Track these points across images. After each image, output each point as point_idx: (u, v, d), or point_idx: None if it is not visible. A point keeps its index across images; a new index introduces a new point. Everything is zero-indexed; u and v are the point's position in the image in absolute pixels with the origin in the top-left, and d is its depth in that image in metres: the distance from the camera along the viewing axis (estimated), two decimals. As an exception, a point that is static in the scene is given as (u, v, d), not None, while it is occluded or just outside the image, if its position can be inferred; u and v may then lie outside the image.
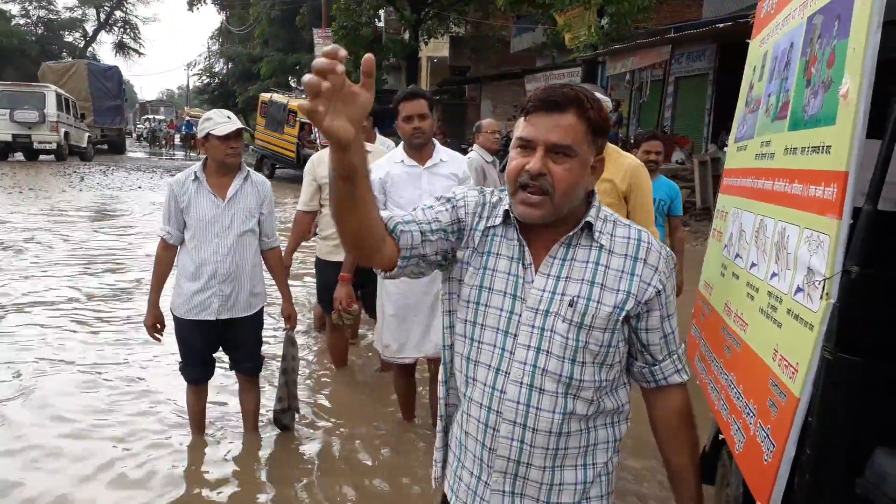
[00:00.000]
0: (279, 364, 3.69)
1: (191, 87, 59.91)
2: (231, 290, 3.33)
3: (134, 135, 39.06)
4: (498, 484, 1.48)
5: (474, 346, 1.49)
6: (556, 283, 1.43)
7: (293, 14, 32.01)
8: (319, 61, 1.07)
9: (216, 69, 45.51)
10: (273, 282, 3.58)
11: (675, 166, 12.88)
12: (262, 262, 3.50)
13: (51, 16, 44.67)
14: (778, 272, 1.84)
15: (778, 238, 1.88)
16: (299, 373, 3.76)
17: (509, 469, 1.46)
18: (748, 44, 2.88)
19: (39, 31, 44.12)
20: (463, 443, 1.54)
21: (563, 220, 1.43)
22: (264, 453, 3.58)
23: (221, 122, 3.22)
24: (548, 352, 1.42)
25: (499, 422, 1.45)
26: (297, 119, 17.78)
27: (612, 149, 3.16)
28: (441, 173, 3.44)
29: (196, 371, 3.52)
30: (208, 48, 48.54)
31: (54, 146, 20.90)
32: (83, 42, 46.48)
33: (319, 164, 4.26)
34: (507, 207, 1.47)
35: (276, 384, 3.73)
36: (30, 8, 43.73)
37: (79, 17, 46.01)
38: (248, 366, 3.55)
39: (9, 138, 19.98)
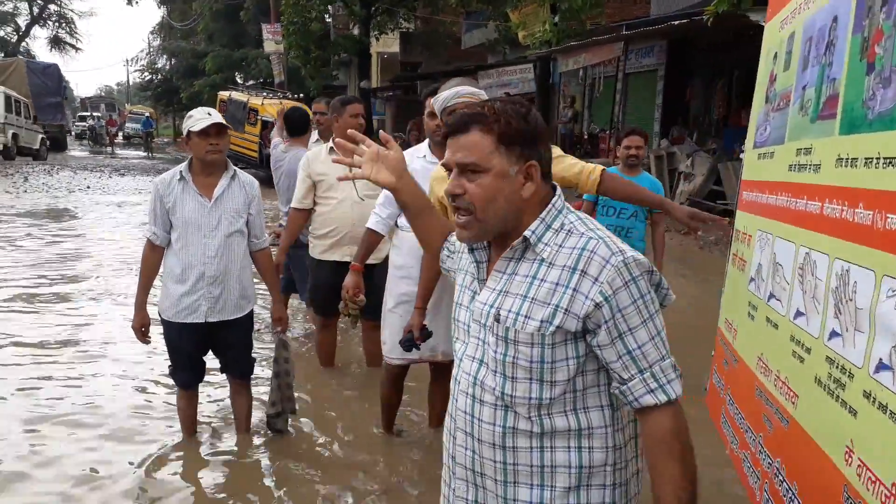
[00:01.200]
0: (271, 367, 3.65)
1: (132, 83, 58.22)
2: (220, 292, 3.26)
3: (73, 133, 37.52)
4: (461, 491, 1.54)
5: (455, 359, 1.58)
6: (496, 297, 1.45)
7: (237, 9, 31.43)
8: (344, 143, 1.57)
9: (158, 65, 44.34)
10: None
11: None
12: (252, 264, 3.44)
13: (-20, 9, 42.65)
14: (841, 332, 1.40)
15: (838, 283, 1.44)
16: (294, 375, 3.69)
17: (469, 478, 1.51)
18: (696, 41, 2.69)
19: (-33, 26, 42.12)
20: (445, 457, 1.62)
21: (512, 237, 1.44)
22: (256, 456, 3.53)
23: (200, 118, 3.15)
24: (486, 364, 1.46)
25: (455, 429, 1.52)
26: (259, 118, 17.39)
27: None
28: None
29: (186, 375, 3.45)
30: (149, 43, 47.30)
31: (0, 147, 21.18)
32: (16, 37, 44.47)
33: (314, 160, 4.19)
34: None
35: (269, 387, 3.68)
36: (-44, 1, 41.70)
37: (10, 10, 44.01)
38: (238, 369, 3.49)
39: None
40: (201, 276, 3.23)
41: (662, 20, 12.63)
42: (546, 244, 1.41)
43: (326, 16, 26.62)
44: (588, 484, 1.43)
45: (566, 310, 1.36)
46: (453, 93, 2.79)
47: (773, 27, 2.28)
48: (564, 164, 2.85)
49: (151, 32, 48.52)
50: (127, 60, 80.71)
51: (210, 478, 3.31)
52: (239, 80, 36.75)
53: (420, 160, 3.37)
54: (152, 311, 3.39)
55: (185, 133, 3.19)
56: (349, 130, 1.60)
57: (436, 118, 3.26)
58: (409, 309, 3.42)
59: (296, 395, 3.84)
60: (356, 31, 26.27)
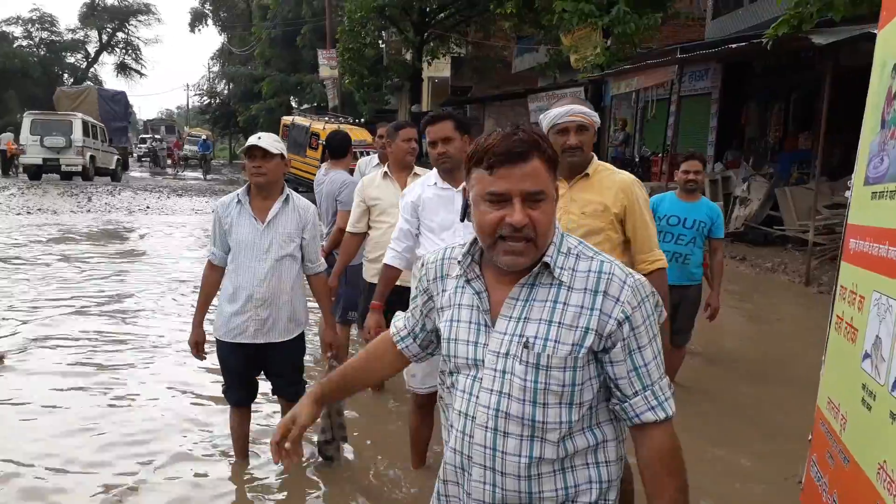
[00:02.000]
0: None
1: (190, 106, 60.25)
2: (268, 314, 3.29)
3: (135, 154, 38.84)
4: None
5: (452, 395, 1.54)
6: (516, 325, 1.43)
7: (294, 35, 32.27)
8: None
9: (217, 89, 45.76)
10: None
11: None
12: (306, 287, 3.46)
13: (53, 37, 44.89)
14: None
15: None
16: (345, 402, 3.67)
17: None
18: (751, 64, 2.53)
19: (41, 53, 44.30)
20: (442, 492, 1.59)
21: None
22: (303, 483, 3.52)
23: (250, 141, 3.22)
24: (508, 395, 1.43)
25: (471, 466, 1.48)
26: (321, 142, 17.71)
27: (602, 166, 2.89)
28: None
29: (238, 393, 3.48)
30: (209, 69, 48.93)
31: (80, 168, 23.07)
32: (85, 63, 46.72)
33: (369, 185, 4.23)
34: (459, 259, 1.53)
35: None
36: (32, 30, 44.00)
37: (81, 38, 46.29)
38: (288, 391, 3.49)
39: (39, 161, 22.64)
40: (250, 298, 3.27)
41: (718, 43, 12.45)
42: (562, 268, 1.44)
43: (380, 42, 27.16)
44: (605, 498, 1.49)
45: (595, 331, 1.40)
46: (566, 110, 2.77)
47: (888, 35, 1.88)
48: (649, 231, 2.85)
49: (212, 58, 50.24)
50: (187, 85, 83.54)
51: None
52: (294, 105, 37.74)
53: (431, 188, 3.33)
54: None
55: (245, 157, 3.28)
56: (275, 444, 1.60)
57: (435, 147, 3.24)
58: None
59: (352, 420, 3.80)
60: (408, 57, 26.69)
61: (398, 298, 3.79)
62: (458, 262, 1.54)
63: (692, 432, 3.98)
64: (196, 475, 3.52)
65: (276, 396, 3.68)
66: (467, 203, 1.52)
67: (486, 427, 1.45)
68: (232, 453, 3.65)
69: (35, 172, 22.97)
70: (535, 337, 1.41)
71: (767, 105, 14.94)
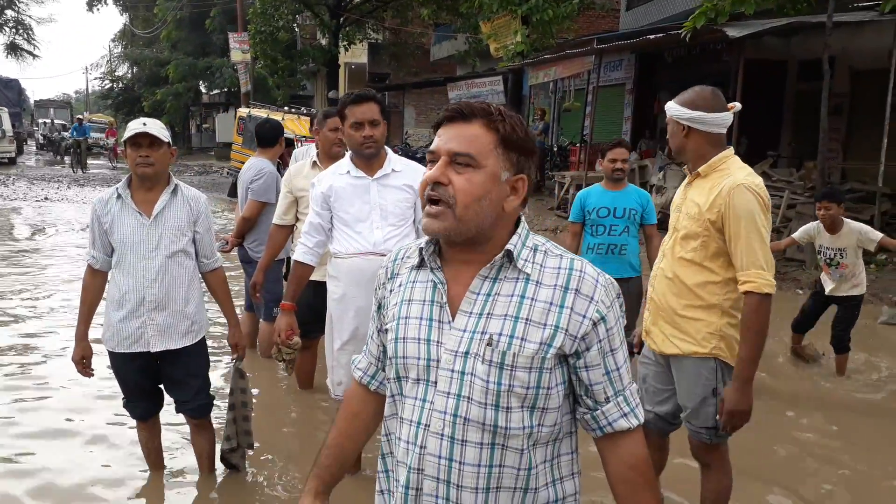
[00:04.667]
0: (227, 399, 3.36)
1: (91, 90, 57.01)
2: (163, 318, 2.97)
3: (33, 142, 36.00)
4: None
5: (398, 403, 1.40)
6: (477, 321, 1.31)
7: (203, 17, 30.92)
8: None
9: (119, 73, 43.45)
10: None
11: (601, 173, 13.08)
12: (202, 286, 3.16)
13: (-68, 14, 41.37)
14: None
15: None
16: (252, 408, 3.41)
17: None
18: (663, 55, 2.51)
19: (-81, 30, 40.79)
20: None
21: (484, 251, 1.33)
22: (217, 496, 3.27)
23: (133, 128, 2.89)
24: (469, 398, 1.30)
25: (422, 480, 1.33)
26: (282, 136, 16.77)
27: (724, 164, 2.51)
28: (393, 185, 3.08)
29: (140, 407, 3.16)
30: (110, 51, 46.36)
31: (13, 155, 25.20)
32: (-30, 42, 43.26)
33: (296, 176, 3.97)
34: (422, 246, 1.40)
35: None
36: None
37: (-35, 15, 42.80)
38: (193, 406, 3.15)
39: None
40: (141, 302, 2.94)
41: (633, 34, 12.64)
42: (526, 260, 1.33)
43: (294, 25, 26.37)
44: None
45: (566, 330, 1.29)
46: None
47: None
48: (742, 245, 2.41)
49: (113, 40, 47.60)
50: (86, 68, 79.07)
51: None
52: (203, 90, 36.20)
53: (344, 177, 3.07)
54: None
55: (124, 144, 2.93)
56: None
57: (361, 129, 2.99)
58: (360, 345, 3.15)
59: (259, 425, 3.55)
60: (324, 42, 26.04)
61: (313, 294, 3.55)
62: (421, 248, 1.40)
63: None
64: (110, 489, 3.24)
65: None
66: None
67: (442, 435, 1.30)
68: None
69: None
70: (500, 334, 1.29)
71: (678, 95, 15.33)
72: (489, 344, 1.29)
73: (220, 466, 3.39)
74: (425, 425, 1.32)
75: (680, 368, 2.61)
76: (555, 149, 17.32)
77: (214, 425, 3.35)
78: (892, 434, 4.17)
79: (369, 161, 3.07)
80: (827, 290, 4.93)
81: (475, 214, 1.30)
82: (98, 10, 36.46)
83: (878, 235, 4.78)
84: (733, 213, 2.40)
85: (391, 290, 1.45)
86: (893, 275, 8.01)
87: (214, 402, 3.26)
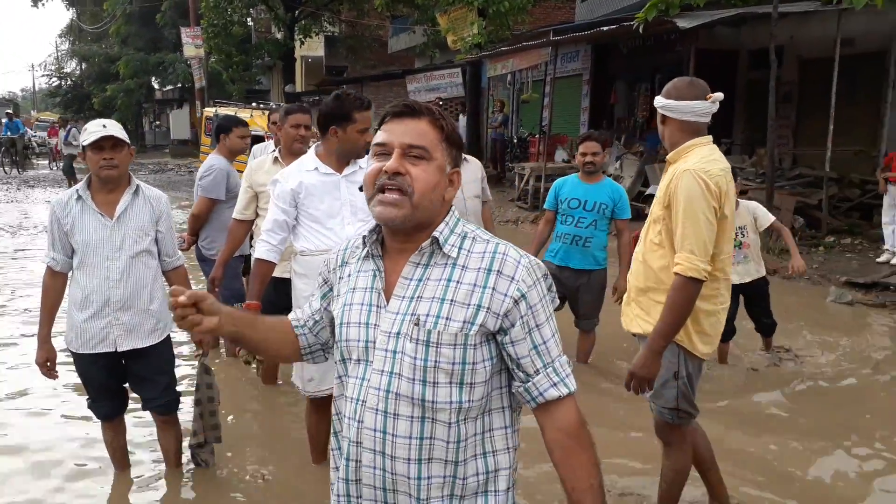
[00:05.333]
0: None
1: (37, 88, 55.29)
2: (129, 317, 2.97)
3: None
4: None
5: (343, 383, 1.50)
6: (409, 304, 1.42)
7: (153, 11, 30.23)
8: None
9: (67, 70, 42.23)
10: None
11: (562, 164, 13.23)
12: (165, 285, 3.14)
13: None
14: None
15: None
16: (219, 401, 3.40)
17: (379, 498, 1.44)
18: (618, 45, 2.57)
19: None
20: (341, 492, 1.49)
21: (420, 239, 1.43)
22: (186, 492, 3.26)
23: (94, 130, 2.89)
24: (399, 374, 1.40)
25: (360, 452, 1.43)
26: (252, 133, 16.28)
27: (690, 154, 2.57)
28: (361, 181, 3.15)
29: (106, 406, 3.14)
30: (57, 47, 45.03)
31: None
32: None
33: (257, 170, 3.96)
34: (365, 234, 1.50)
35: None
36: None
37: None
38: (159, 403, 3.15)
39: None
40: (107, 302, 2.93)
41: (588, 26, 12.79)
42: (453, 246, 1.43)
43: (248, 19, 25.98)
44: (495, 490, 1.45)
45: (487, 308, 1.38)
46: None
47: None
48: (680, 230, 2.49)
49: (59, 36, 46.23)
50: (33, 66, 76.63)
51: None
52: (156, 86, 35.41)
53: (313, 174, 3.07)
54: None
55: (81, 148, 2.91)
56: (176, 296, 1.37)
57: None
58: None
59: (227, 420, 3.55)
60: (280, 35, 25.70)
61: (274, 291, 3.54)
62: (364, 237, 1.50)
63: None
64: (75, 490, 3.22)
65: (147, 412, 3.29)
66: None
67: (377, 410, 1.41)
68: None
69: None
70: (427, 315, 1.39)
71: (634, 85, 15.59)
72: (416, 324, 1.39)
73: (188, 463, 3.38)
74: (362, 401, 1.42)
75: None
76: (515, 140, 17.44)
77: (181, 421, 3.34)
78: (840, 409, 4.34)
79: (340, 159, 3.09)
80: (736, 281, 4.90)
81: (429, 203, 1.41)
82: (43, 5, 35.25)
83: (772, 218, 4.72)
84: (675, 198, 2.51)
85: (340, 278, 1.55)
86: (841, 256, 8.31)
87: (181, 398, 3.24)
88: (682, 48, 11.17)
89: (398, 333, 1.40)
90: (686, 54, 10.12)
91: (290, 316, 1.68)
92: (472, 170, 4.98)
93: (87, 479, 3.36)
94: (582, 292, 4.52)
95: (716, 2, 9.62)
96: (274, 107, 17.37)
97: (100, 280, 2.93)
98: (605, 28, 11.08)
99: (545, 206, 4.75)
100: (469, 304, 1.38)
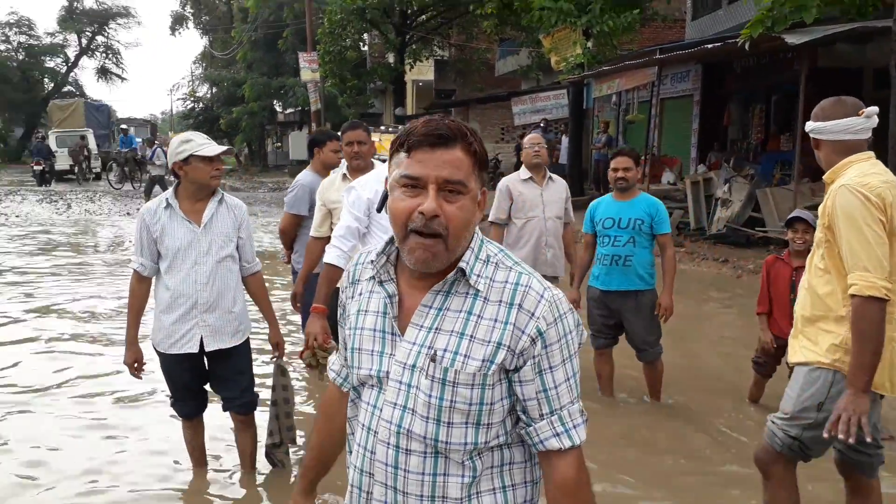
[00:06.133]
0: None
1: (174, 111, 59.71)
2: (214, 319, 3.15)
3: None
4: None
5: (356, 405, 1.44)
6: (426, 335, 1.32)
7: (276, 38, 32.04)
8: None
9: (200, 93, 45.39)
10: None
11: (668, 187, 12.86)
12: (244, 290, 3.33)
13: (31, 41, 44.27)
14: None
15: None
16: (294, 403, 3.54)
17: None
18: (732, 65, 2.50)
19: (20, 57, 43.70)
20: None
21: (444, 270, 1.33)
22: (261, 492, 3.40)
23: (205, 143, 3.10)
24: (413, 411, 1.32)
25: (372, 484, 1.37)
26: (377, 156, 16.63)
27: (844, 165, 2.46)
28: None
29: (188, 406, 3.34)
30: (191, 72, 48.54)
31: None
32: (65, 68, 46.15)
33: (328, 189, 4.11)
34: (373, 259, 1.39)
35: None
36: (9, 34, 43.36)
37: (60, 42, 45.66)
38: (240, 403, 3.32)
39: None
40: (194, 304, 3.12)
41: (698, 45, 12.41)
42: (479, 276, 1.32)
43: (362, 44, 27.03)
44: None
45: (507, 346, 1.29)
46: None
47: None
48: (848, 247, 2.32)
49: (194, 62, 49.81)
50: (171, 89, 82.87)
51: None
52: (278, 108, 37.39)
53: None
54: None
55: (181, 157, 3.08)
56: None
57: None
58: None
59: (303, 422, 3.68)
60: (391, 59, 26.54)
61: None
62: (372, 261, 1.39)
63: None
64: (158, 486, 3.40)
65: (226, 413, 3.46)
66: (386, 193, 1.37)
67: (388, 444, 1.33)
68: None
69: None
70: (445, 350, 1.30)
71: (748, 106, 14.93)
72: (433, 360, 1.30)
73: (264, 464, 3.51)
74: (374, 431, 1.36)
75: (795, 375, 2.53)
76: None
77: (258, 423, 3.49)
78: None
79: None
80: None
81: (463, 241, 1.31)
82: (180, 33, 38.49)
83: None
84: (834, 217, 2.36)
85: (352, 297, 1.46)
86: None
87: (258, 399, 3.41)
88: (800, 66, 10.63)
89: (413, 366, 1.32)
90: (803, 73, 9.59)
91: (330, 376, 1.60)
92: (557, 190, 4.94)
93: (166, 476, 3.53)
94: (631, 317, 4.30)
95: (833, 18, 9.07)
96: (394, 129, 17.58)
97: (188, 283, 3.12)
98: (709, 46, 10.70)
99: (583, 230, 4.57)
100: (489, 342, 1.29)
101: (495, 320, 1.29)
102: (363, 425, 1.38)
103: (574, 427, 1.33)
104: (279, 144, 40.62)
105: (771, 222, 9.87)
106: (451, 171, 1.27)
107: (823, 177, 2.54)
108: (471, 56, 26.42)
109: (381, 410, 1.35)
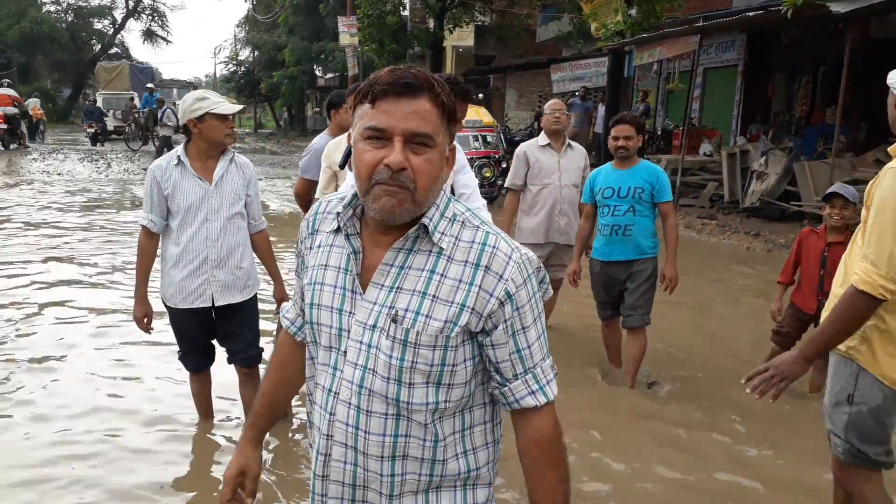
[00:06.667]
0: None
1: (217, 74, 60.26)
2: (224, 275, 3.24)
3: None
4: None
5: (314, 367, 1.40)
6: (388, 294, 1.28)
7: (317, 2, 31.96)
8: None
9: (242, 57, 45.68)
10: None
11: (704, 158, 12.58)
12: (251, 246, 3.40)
13: (80, 3, 45.09)
14: None
15: None
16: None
17: (346, 495, 1.35)
18: (779, 35, 2.12)
19: (69, 19, 44.54)
20: (318, 491, 1.40)
21: (407, 225, 1.28)
22: (267, 437, 3.49)
23: (220, 101, 3.15)
24: (373, 371, 1.29)
25: (331, 446, 1.34)
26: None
27: None
28: None
29: (196, 359, 3.45)
30: (234, 36, 48.80)
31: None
32: (112, 30, 46.89)
33: (334, 150, 4.10)
34: (339, 210, 1.34)
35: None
36: (60, -5, 44.20)
37: (108, 4, 46.38)
38: (245, 356, 3.41)
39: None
40: (205, 260, 3.20)
41: (741, 12, 11.99)
42: (442, 234, 1.29)
43: (402, 9, 26.75)
44: (474, 484, 1.38)
45: (472, 308, 1.26)
46: None
47: None
48: (867, 237, 2.13)
49: (237, 25, 50.07)
50: (215, 52, 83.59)
51: (218, 464, 3.33)
52: (318, 73, 37.44)
53: None
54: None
55: (196, 115, 3.12)
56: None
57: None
58: None
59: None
60: (431, 25, 26.25)
61: None
62: (338, 213, 1.34)
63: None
64: (167, 436, 3.55)
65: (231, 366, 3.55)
66: (349, 149, 1.34)
67: (350, 404, 1.31)
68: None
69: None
70: (406, 310, 1.26)
71: (794, 78, 14.43)
72: (394, 320, 1.27)
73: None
74: (335, 393, 1.33)
75: (829, 361, 2.36)
76: (658, 132, 16.75)
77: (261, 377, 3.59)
78: None
79: None
80: None
81: (431, 195, 1.28)
82: (225, -3, 38.59)
83: None
84: (874, 198, 2.13)
85: (310, 248, 1.42)
86: None
87: (263, 353, 3.49)
88: (849, 37, 10.21)
89: (374, 326, 1.29)
90: (851, 43, 9.20)
91: (284, 324, 1.57)
92: (576, 157, 4.89)
93: (176, 425, 3.68)
94: (629, 284, 4.18)
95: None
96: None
97: (199, 240, 3.19)
98: (750, 13, 10.33)
99: (582, 201, 4.47)
100: (452, 303, 1.26)
101: (459, 280, 1.26)
102: (322, 387, 1.36)
103: (547, 383, 1.33)
104: (318, 109, 40.76)
105: (807, 196, 9.61)
106: (418, 122, 1.23)
107: (890, 148, 2.24)
108: (512, 22, 25.97)
109: (341, 371, 1.32)
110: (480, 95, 16.29)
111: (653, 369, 4.50)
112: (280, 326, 3.32)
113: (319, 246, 1.39)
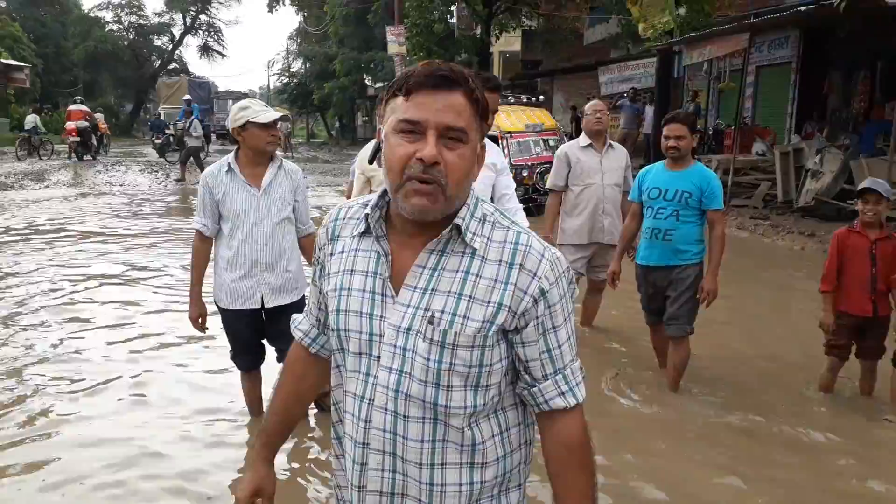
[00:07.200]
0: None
1: (271, 86, 61.68)
2: (273, 278, 3.38)
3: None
4: None
5: (343, 376, 1.37)
6: (421, 296, 1.26)
7: (366, 12, 32.44)
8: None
9: (294, 69, 46.66)
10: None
11: (756, 158, 12.33)
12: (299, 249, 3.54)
13: (141, 21, 46.89)
14: None
15: None
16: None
17: (384, 502, 1.33)
18: (835, 30, 2.04)
19: (130, 37, 46.38)
20: (344, 489, 1.41)
21: (439, 226, 1.26)
22: (313, 432, 3.68)
23: (262, 110, 3.28)
24: (410, 374, 1.27)
25: (367, 455, 1.31)
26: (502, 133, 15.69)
27: None
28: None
29: (247, 359, 3.60)
30: (287, 48, 49.91)
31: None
32: (171, 46, 48.59)
33: (366, 158, 4.22)
34: (367, 212, 1.32)
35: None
36: (121, 14, 46.04)
37: (166, 21, 48.11)
38: None
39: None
40: (255, 264, 3.35)
41: (792, 8, 11.72)
42: (475, 234, 1.28)
43: (450, 17, 26.96)
44: (507, 488, 1.37)
45: (508, 307, 1.25)
46: None
47: None
48: None
49: (289, 38, 51.22)
50: (268, 64, 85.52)
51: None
52: (367, 82, 38.00)
53: None
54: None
55: (238, 124, 3.28)
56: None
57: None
58: None
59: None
60: (478, 31, 26.37)
61: None
62: (367, 214, 1.32)
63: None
64: (217, 435, 3.69)
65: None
66: (379, 144, 1.32)
67: (386, 409, 1.28)
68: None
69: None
70: (443, 311, 1.25)
71: (852, 74, 14.00)
72: (430, 322, 1.25)
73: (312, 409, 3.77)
74: (370, 399, 1.30)
75: None
76: (710, 132, 16.46)
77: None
78: None
79: None
80: None
81: (463, 192, 1.26)
82: (277, 10, 39.90)
83: None
84: None
85: (332, 254, 1.38)
86: None
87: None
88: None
89: (409, 329, 1.26)
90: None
91: (297, 336, 1.53)
92: (617, 157, 4.91)
93: (226, 423, 3.81)
94: (671, 291, 4.03)
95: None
96: (526, 100, 16.24)
97: (248, 244, 3.34)
98: (802, 8, 10.09)
99: (630, 198, 4.33)
100: (489, 302, 1.24)
101: (495, 280, 1.25)
102: (354, 395, 1.33)
103: (577, 385, 1.32)
104: (367, 118, 41.34)
105: (866, 195, 9.31)
106: (452, 117, 1.21)
107: None
108: (559, 25, 25.88)
109: (375, 377, 1.29)
110: (542, 97, 15.63)
111: (695, 374, 4.41)
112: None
113: (342, 251, 1.36)
